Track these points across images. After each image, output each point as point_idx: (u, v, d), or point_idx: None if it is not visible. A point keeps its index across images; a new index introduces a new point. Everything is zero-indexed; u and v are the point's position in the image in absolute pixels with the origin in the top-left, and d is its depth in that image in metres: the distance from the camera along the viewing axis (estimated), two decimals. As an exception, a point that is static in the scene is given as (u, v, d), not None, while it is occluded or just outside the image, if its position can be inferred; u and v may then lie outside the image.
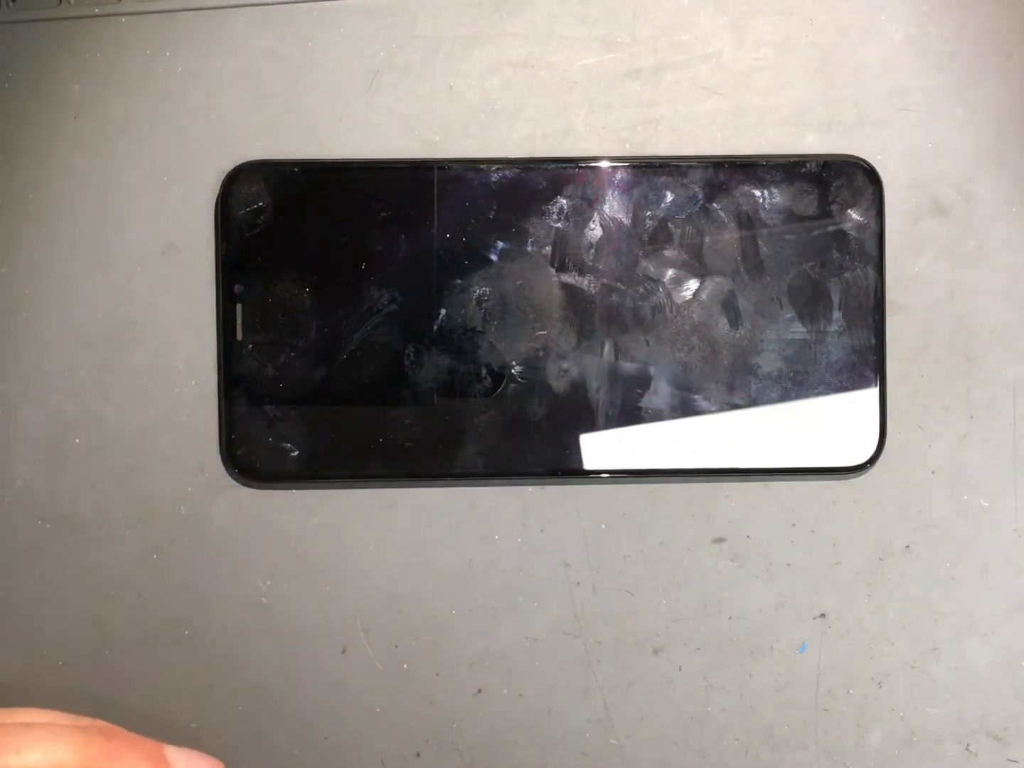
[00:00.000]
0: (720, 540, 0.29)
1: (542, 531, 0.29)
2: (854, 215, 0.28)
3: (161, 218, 0.29)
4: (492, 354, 0.28)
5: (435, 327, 0.28)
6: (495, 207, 0.28)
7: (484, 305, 0.28)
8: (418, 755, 0.29)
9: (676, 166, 0.28)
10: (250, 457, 0.28)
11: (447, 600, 0.29)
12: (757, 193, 0.28)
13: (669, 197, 0.28)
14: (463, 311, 0.28)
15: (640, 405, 0.28)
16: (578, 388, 0.28)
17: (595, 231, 0.28)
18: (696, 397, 0.28)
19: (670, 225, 0.28)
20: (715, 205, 0.28)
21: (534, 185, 0.28)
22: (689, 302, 0.28)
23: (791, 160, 0.28)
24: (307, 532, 0.29)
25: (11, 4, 0.29)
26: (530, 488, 0.29)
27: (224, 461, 0.29)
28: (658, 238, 0.28)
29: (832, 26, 0.29)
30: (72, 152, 0.29)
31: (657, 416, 0.28)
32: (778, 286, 0.28)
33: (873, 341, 0.28)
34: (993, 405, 0.29)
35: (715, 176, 0.28)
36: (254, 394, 0.28)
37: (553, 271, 0.28)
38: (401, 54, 0.29)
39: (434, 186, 0.28)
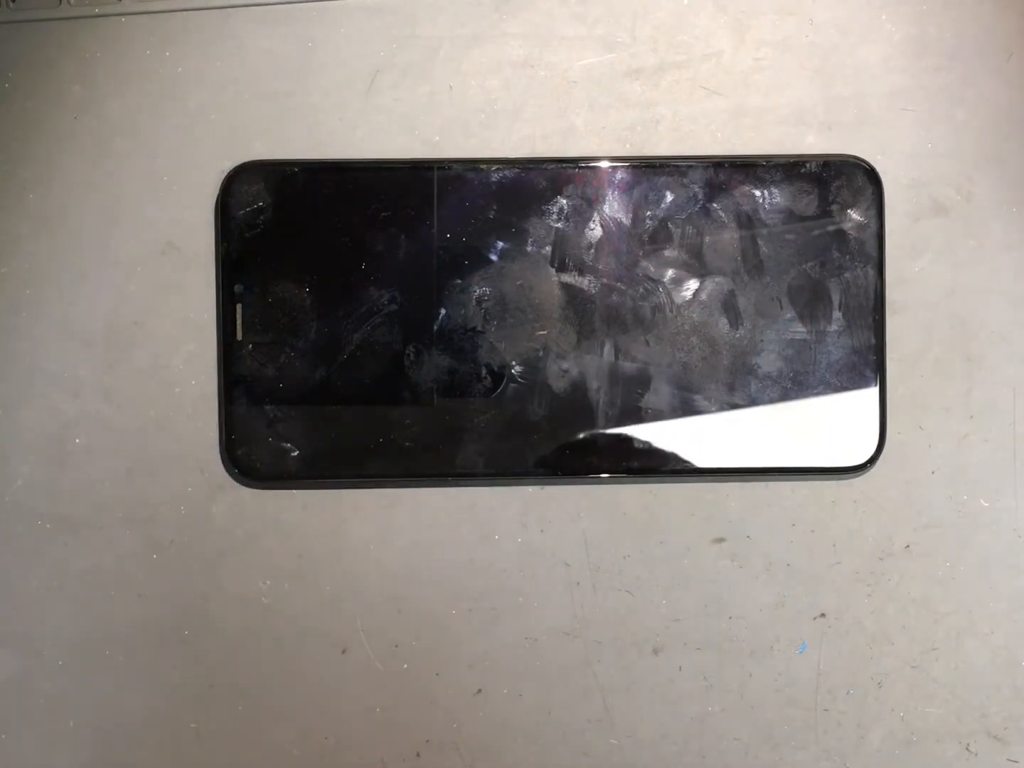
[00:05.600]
0: (720, 540, 0.29)
1: (542, 531, 0.29)
2: (854, 215, 0.28)
3: (161, 218, 0.29)
4: (492, 354, 0.28)
5: (435, 327, 0.28)
6: (495, 207, 0.28)
7: (484, 305, 0.28)
8: (418, 755, 0.29)
9: (676, 166, 0.28)
10: (250, 457, 0.28)
11: (447, 600, 0.29)
12: (757, 193, 0.28)
13: (669, 197, 0.28)
14: (463, 311, 0.28)
15: (640, 405, 0.28)
16: (578, 388, 0.28)
17: (595, 231, 0.28)
18: (696, 397, 0.28)
19: (670, 225, 0.28)
20: (715, 205, 0.28)
21: (534, 185, 0.28)
22: (689, 302, 0.28)
23: (791, 160, 0.28)
24: (307, 532, 0.29)
25: (11, 4, 0.29)
26: (530, 488, 0.29)
27: (224, 461, 0.29)
28: (658, 238, 0.28)
29: (832, 26, 0.29)
30: (72, 152, 0.29)
31: (657, 416, 0.28)
32: (778, 286, 0.28)
33: (873, 341, 0.28)
34: (993, 405, 0.29)
35: (715, 176, 0.28)
36: (254, 394, 0.28)
37: (553, 271, 0.28)
38: (401, 54, 0.29)
39: (434, 186, 0.28)
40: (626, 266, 0.28)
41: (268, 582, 0.29)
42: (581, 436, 0.28)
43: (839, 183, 0.28)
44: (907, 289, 0.29)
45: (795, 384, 0.28)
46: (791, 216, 0.28)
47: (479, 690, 0.29)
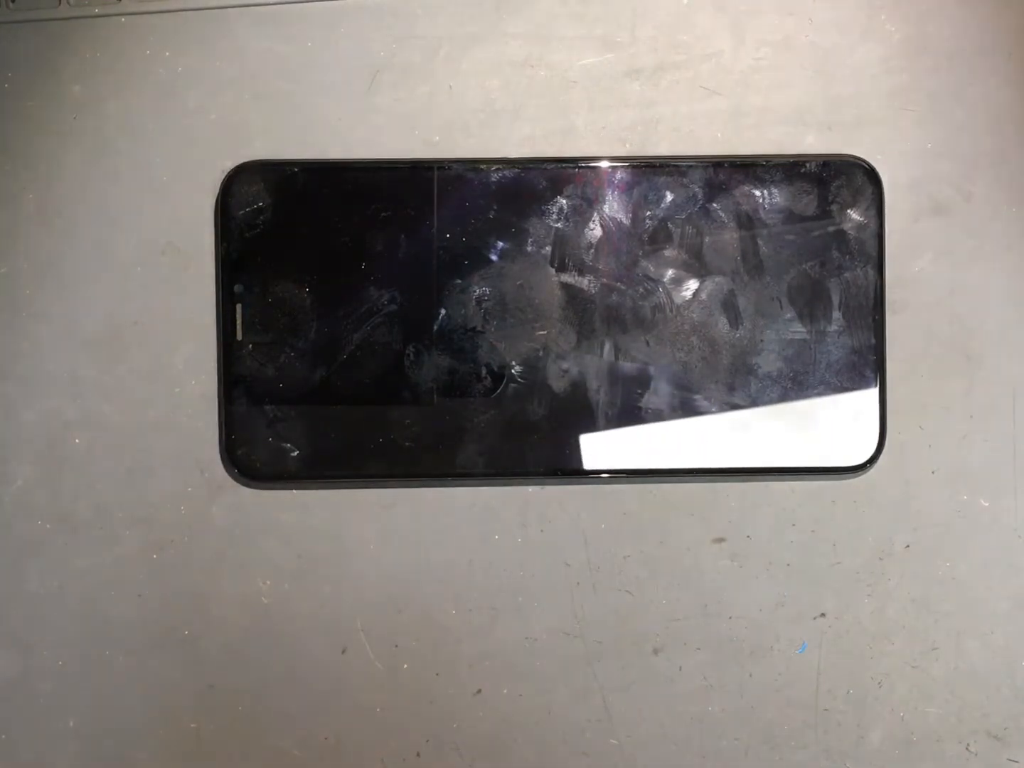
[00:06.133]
0: (720, 540, 0.29)
1: (542, 531, 0.29)
2: (854, 215, 0.28)
3: (161, 218, 0.29)
4: (492, 354, 0.28)
5: (435, 327, 0.28)
6: (495, 207, 0.28)
7: (484, 305, 0.28)
8: (418, 755, 0.29)
9: (676, 166, 0.28)
10: (250, 457, 0.28)
11: (447, 600, 0.29)
12: (757, 193, 0.28)
13: (669, 197, 0.28)
14: (463, 311, 0.28)
15: (640, 405, 0.28)
16: (578, 388, 0.28)
17: (595, 231, 0.28)
18: (696, 397, 0.28)
19: (670, 225, 0.28)
20: (715, 205, 0.28)
21: (534, 185, 0.28)
22: (689, 302, 0.28)
23: (791, 160, 0.28)
24: (307, 532, 0.29)
25: (11, 4, 0.29)
26: (530, 488, 0.29)
27: (224, 461, 0.29)
28: (658, 238, 0.28)
29: (832, 26, 0.29)
30: (72, 152, 0.29)
31: (657, 416, 0.28)
32: (778, 286, 0.28)
33: (873, 341, 0.28)
34: (993, 405, 0.29)
35: (715, 176, 0.28)
36: (254, 394, 0.28)
37: (553, 271, 0.28)
38: (401, 54, 0.29)
39: (434, 186, 0.28)
40: (626, 266, 0.28)
41: (268, 582, 0.29)
42: (581, 436, 0.28)
43: (839, 183, 0.28)
44: (907, 289, 0.29)
45: (795, 384, 0.28)
46: (791, 216, 0.28)
47: (479, 690, 0.29)
